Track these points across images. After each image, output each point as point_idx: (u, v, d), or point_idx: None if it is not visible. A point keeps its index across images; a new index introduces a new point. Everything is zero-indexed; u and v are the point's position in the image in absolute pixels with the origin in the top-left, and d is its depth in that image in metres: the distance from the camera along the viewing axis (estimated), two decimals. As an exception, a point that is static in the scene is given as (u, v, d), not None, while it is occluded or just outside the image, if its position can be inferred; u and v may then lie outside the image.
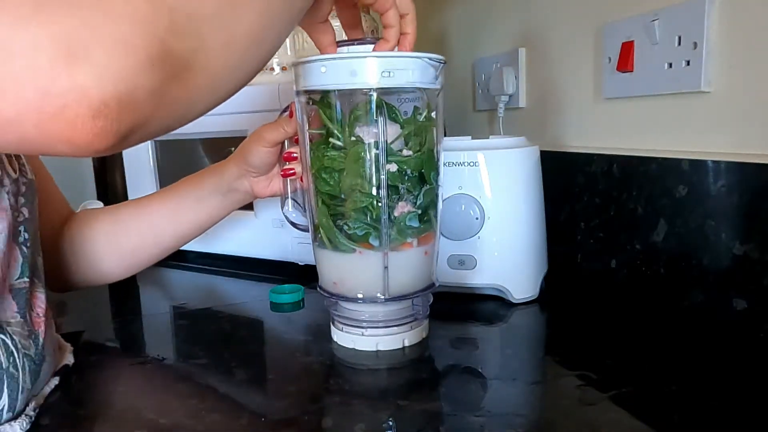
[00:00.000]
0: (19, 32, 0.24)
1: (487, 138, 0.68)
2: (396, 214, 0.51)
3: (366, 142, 0.49)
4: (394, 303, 0.53)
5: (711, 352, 0.50)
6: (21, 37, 0.24)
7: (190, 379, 0.52)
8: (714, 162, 0.53)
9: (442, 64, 0.51)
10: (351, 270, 0.53)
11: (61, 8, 0.24)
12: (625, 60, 0.63)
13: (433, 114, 0.52)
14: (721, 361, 0.48)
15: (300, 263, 0.78)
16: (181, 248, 0.66)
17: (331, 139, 0.50)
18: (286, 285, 0.70)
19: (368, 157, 0.49)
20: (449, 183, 0.63)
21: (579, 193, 0.72)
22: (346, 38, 0.54)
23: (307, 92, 0.51)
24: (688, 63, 0.56)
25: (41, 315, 0.46)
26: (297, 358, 0.55)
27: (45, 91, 0.24)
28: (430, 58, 0.50)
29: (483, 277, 0.64)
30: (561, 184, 0.75)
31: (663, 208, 0.59)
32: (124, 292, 0.78)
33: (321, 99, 0.51)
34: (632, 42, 0.62)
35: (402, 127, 0.51)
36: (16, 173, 0.45)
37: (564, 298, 0.66)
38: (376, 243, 0.51)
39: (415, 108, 0.52)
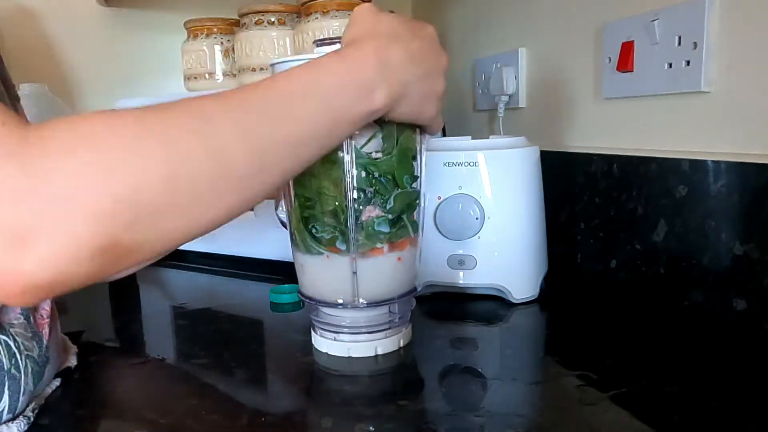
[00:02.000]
0: None
1: (487, 138, 0.68)
2: (363, 218, 0.49)
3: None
4: (366, 309, 0.52)
5: (711, 352, 0.50)
6: None
7: (190, 379, 0.52)
8: (714, 162, 0.53)
9: None
10: (320, 273, 0.52)
11: (25, 193, 0.25)
12: (625, 60, 0.63)
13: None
14: (721, 361, 0.48)
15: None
16: (181, 248, 0.66)
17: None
18: (285, 285, 0.70)
19: (337, 159, 0.47)
20: (449, 183, 0.63)
21: (579, 193, 0.72)
22: (324, 37, 0.54)
23: None
24: (688, 63, 0.56)
25: (45, 317, 0.46)
26: (297, 358, 0.55)
27: None
28: None
29: (483, 277, 0.64)
30: (561, 184, 0.75)
31: (663, 208, 0.59)
32: (124, 292, 0.78)
33: None
34: (632, 42, 0.62)
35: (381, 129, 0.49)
36: None
37: (564, 298, 0.66)
38: (343, 247, 0.50)
39: None
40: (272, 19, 0.87)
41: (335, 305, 0.52)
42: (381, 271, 0.51)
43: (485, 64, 0.94)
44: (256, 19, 0.87)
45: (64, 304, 0.72)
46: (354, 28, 0.42)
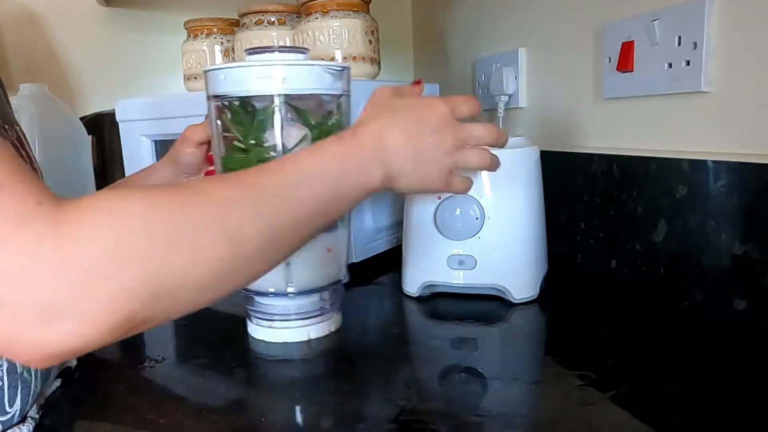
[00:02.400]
0: (15, 289, 0.26)
1: None
2: None
3: (269, 144, 0.53)
4: (298, 297, 0.56)
5: (711, 352, 0.50)
6: (16, 292, 0.26)
7: (190, 379, 0.52)
8: (714, 162, 0.53)
9: (340, 71, 0.54)
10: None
11: (58, 274, 0.26)
12: (625, 60, 0.63)
13: (335, 117, 0.55)
14: (722, 361, 0.48)
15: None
16: None
17: (235, 143, 0.54)
18: None
19: (270, 159, 0.50)
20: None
21: (579, 193, 0.72)
22: (255, 47, 0.58)
23: (216, 97, 0.54)
24: (688, 63, 0.56)
25: None
26: (297, 358, 0.55)
27: (11, 339, 0.27)
28: (328, 66, 0.54)
29: (483, 277, 0.64)
30: (561, 184, 0.75)
31: (663, 208, 0.59)
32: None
33: (230, 105, 0.54)
34: (632, 42, 0.62)
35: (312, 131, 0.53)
36: None
37: (564, 298, 0.66)
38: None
39: (329, 112, 0.55)
40: (272, 19, 0.87)
41: (268, 294, 0.56)
42: (312, 262, 0.56)
43: (485, 64, 0.94)
44: (256, 19, 0.87)
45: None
46: (368, 107, 0.48)
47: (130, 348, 0.59)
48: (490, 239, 0.63)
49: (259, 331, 0.58)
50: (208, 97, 0.55)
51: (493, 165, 0.52)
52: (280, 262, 0.38)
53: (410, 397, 0.45)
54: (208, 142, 0.62)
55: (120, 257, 0.28)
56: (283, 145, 0.52)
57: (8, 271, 0.26)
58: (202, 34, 0.99)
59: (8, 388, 0.40)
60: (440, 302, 0.66)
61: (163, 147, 0.91)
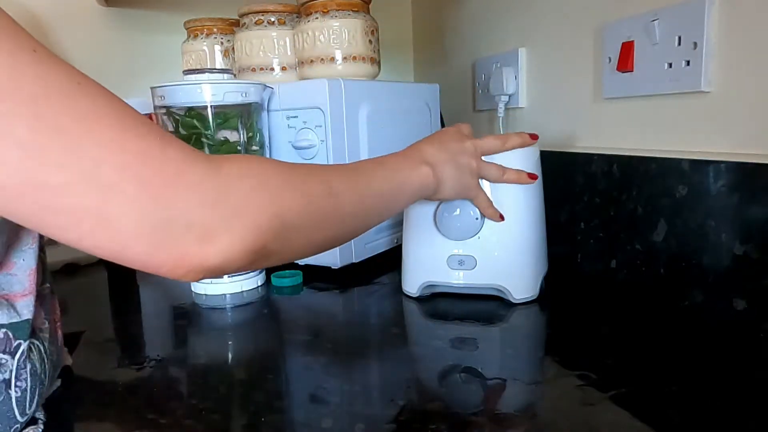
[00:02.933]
0: (199, 210, 0.33)
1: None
2: None
3: (234, 141, 0.71)
4: None
5: (711, 352, 0.50)
6: (195, 213, 0.33)
7: (190, 379, 0.52)
8: (714, 162, 0.53)
9: (252, 87, 0.72)
10: None
11: (215, 203, 0.33)
12: (625, 60, 0.63)
13: (241, 120, 0.71)
14: (722, 361, 0.48)
15: (300, 263, 0.78)
16: None
17: (203, 140, 0.69)
18: (286, 270, 0.76)
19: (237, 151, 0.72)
20: None
21: (579, 193, 0.72)
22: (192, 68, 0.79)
23: (165, 107, 0.71)
24: (688, 63, 0.56)
25: (57, 320, 0.47)
26: (297, 358, 0.55)
27: (178, 255, 0.33)
28: (243, 83, 0.71)
29: (483, 277, 0.64)
30: (561, 184, 0.75)
31: (663, 208, 0.59)
32: (124, 292, 0.78)
33: (189, 112, 0.69)
34: (632, 42, 0.62)
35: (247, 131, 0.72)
36: None
37: (564, 298, 0.66)
38: None
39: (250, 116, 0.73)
40: (272, 19, 0.87)
41: None
42: None
43: (485, 64, 0.94)
44: (256, 19, 0.87)
45: (64, 304, 0.72)
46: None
47: (131, 348, 0.59)
48: (490, 239, 0.63)
49: (200, 287, 0.73)
50: (157, 107, 0.71)
51: (508, 177, 0.62)
52: (366, 228, 0.49)
53: (410, 397, 0.45)
54: None
55: (261, 193, 0.36)
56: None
57: (179, 200, 0.32)
58: (202, 34, 0.99)
59: (30, 390, 0.40)
60: (440, 302, 0.66)
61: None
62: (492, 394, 0.45)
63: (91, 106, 0.30)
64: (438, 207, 0.64)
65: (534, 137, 0.64)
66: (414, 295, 0.67)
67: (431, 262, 0.66)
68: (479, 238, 0.64)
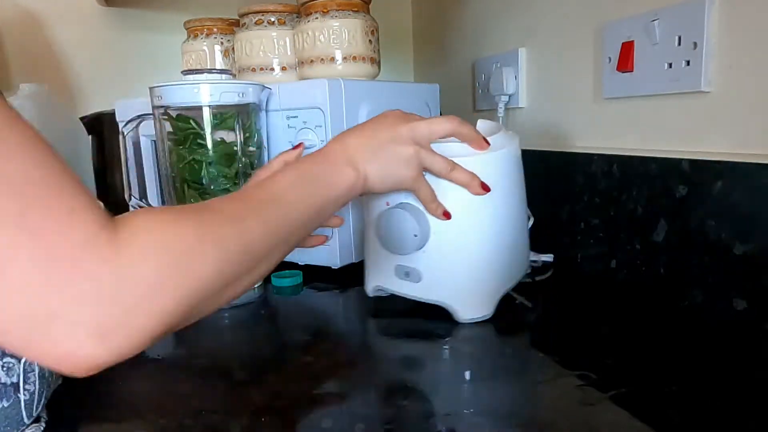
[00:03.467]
0: (73, 307, 0.28)
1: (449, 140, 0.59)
2: None
3: (230, 141, 0.70)
4: None
5: (711, 352, 0.50)
6: (69, 310, 0.28)
7: (190, 379, 0.52)
8: (714, 162, 0.53)
9: (248, 88, 0.71)
10: None
11: (113, 295, 0.29)
12: (625, 60, 0.63)
13: (240, 121, 0.71)
14: (722, 361, 0.48)
15: (300, 263, 0.78)
16: None
17: (199, 140, 0.69)
18: (286, 270, 0.76)
19: (231, 151, 0.70)
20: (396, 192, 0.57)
21: (579, 193, 0.72)
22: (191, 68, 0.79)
23: (163, 107, 0.70)
24: (688, 63, 0.56)
25: None
26: (298, 357, 0.55)
27: (66, 353, 0.29)
28: (242, 84, 0.71)
29: (428, 292, 0.59)
30: (561, 184, 0.75)
31: (663, 208, 0.59)
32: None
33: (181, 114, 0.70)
34: (632, 42, 0.62)
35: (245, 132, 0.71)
36: None
37: (564, 298, 0.66)
38: None
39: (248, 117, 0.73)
40: (272, 19, 0.87)
41: None
42: None
43: (485, 64, 0.94)
44: (256, 19, 0.87)
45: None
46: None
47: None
48: (435, 253, 0.58)
49: None
50: (155, 107, 0.70)
51: (456, 176, 0.55)
52: (282, 258, 0.43)
53: (411, 397, 0.45)
54: None
55: (170, 273, 0.31)
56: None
57: (71, 292, 0.27)
58: (202, 34, 0.99)
59: (38, 393, 0.41)
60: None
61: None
62: (492, 394, 0.45)
63: None
64: (380, 216, 0.59)
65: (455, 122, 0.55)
66: (370, 295, 0.65)
67: (381, 269, 0.62)
68: (424, 251, 0.58)
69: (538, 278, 0.71)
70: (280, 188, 0.43)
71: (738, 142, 0.53)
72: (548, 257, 0.77)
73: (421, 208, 0.56)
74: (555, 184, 0.77)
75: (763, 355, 0.48)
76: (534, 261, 0.75)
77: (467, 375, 0.49)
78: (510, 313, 0.62)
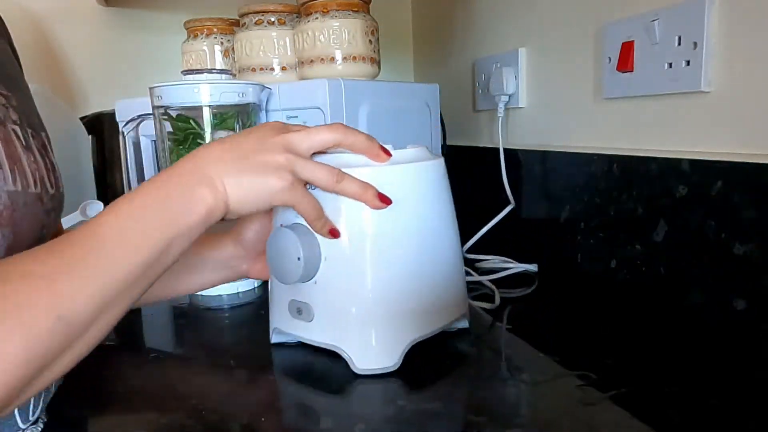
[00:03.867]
0: None
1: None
2: None
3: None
4: None
5: (711, 352, 0.50)
6: None
7: (190, 379, 0.52)
8: (714, 162, 0.53)
9: (248, 88, 0.71)
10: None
11: None
12: (625, 60, 0.63)
13: (240, 121, 0.71)
14: (721, 361, 0.48)
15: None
16: None
17: (199, 140, 0.69)
18: None
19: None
20: (288, 209, 0.48)
21: (579, 193, 0.72)
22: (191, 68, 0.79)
23: (163, 107, 0.69)
24: (688, 63, 0.56)
25: None
26: (297, 358, 0.55)
27: None
28: (241, 84, 0.71)
29: (320, 333, 0.50)
30: (561, 184, 0.75)
31: (663, 208, 0.59)
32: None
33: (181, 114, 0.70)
34: (632, 42, 0.62)
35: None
36: (53, 188, 0.42)
37: (564, 299, 0.66)
38: None
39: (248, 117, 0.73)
40: (272, 19, 0.87)
41: None
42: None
43: (485, 64, 0.94)
44: (256, 19, 0.87)
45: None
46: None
47: (130, 348, 0.59)
48: (328, 286, 0.48)
49: None
50: (155, 107, 0.70)
51: (345, 187, 0.45)
52: (119, 317, 0.35)
53: (411, 397, 0.45)
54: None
55: None
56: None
57: None
58: (202, 34, 0.99)
59: (33, 398, 0.40)
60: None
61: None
62: (492, 394, 0.45)
63: None
64: (270, 239, 0.50)
65: (337, 128, 0.46)
66: (272, 342, 0.55)
67: (277, 305, 0.54)
68: (315, 282, 0.48)
69: (513, 294, 0.70)
70: (107, 229, 0.34)
71: (738, 142, 0.53)
72: (532, 267, 0.75)
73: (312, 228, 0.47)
74: (555, 184, 0.77)
75: (763, 355, 0.48)
76: (506, 267, 0.74)
77: (465, 375, 0.49)
78: (429, 365, 0.50)
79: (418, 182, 0.50)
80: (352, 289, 0.48)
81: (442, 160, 0.53)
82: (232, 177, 0.41)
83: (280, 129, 0.45)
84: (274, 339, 0.55)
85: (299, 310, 0.51)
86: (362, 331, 0.48)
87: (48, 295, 0.30)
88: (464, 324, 0.56)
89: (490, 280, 0.71)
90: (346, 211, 0.47)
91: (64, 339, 0.31)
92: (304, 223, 0.47)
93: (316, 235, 0.47)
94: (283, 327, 0.53)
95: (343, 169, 0.45)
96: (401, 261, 0.49)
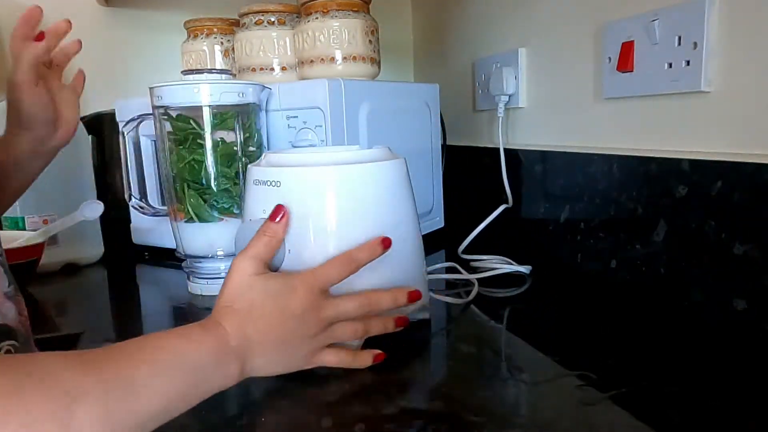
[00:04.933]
0: None
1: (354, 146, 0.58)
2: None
3: (230, 141, 0.70)
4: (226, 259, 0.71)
5: (711, 352, 0.50)
6: None
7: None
8: (714, 162, 0.53)
9: (254, 86, 0.72)
10: (219, 235, 0.70)
11: None
12: (625, 60, 0.63)
13: (240, 121, 0.71)
14: (722, 361, 0.48)
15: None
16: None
17: (199, 140, 0.69)
18: None
19: (232, 151, 0.71)
20: (254, 205, 0.51)
21: (579, 193, 0.72)
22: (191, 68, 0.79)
23: (163, 107, 0.70)
24: (688, 63, 0.56)
25: (26, 319, 0.46)
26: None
27: None
28: (242, 84, 0.71)
29: None
30: (561, 184, 0.75)
31: (663, 208, 0.59)
32: (124, 292, 0.78)
33: (177, 114, 0.70)
34: (632, 42, 0.62)
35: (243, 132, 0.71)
36: None
37: (564, 299, 0.66)
38: (237, 211, 0.70)
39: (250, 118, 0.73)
40: (272, 19, 0.87)
41: (218, 257, 0.71)
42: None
43: (485, 64, 0.94)
44: (256, 19, 0.87)
45: (64, 304, 0.72)
46: (229, 287, 0.45)
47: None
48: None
49: (197, 287, 0.72)
50: (155, 107, 0.70)
51: (374, 326, 0.49)
52: None
53: (411, 397, 0.45)
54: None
55: None
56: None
57: None
58: (202, 34, 0.99)
59: None
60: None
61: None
62: (492, 394, 0.45)
63: None
64: (236, 233, 0.52)
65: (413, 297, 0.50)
66: None
67: None
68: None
69: (499, 294, 0.70)
70: (143, 371, 0.34)
71: (738, 142, 0.53)
72: (524, 268, 0.74)
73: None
74: (555, 184, 0.77)
75: (763, 355, 0.48)
76: (496, 267, 0.73)
77: (465, 375, 0.49)
78: (393, 355, 0.50)
79: (379, 180, 0.52)
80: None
81: (402, 160, 0.55)
82: (268, 362, 0.44)
83: (319, 311, 0.45)
84: None
85: None
86: None
87: (64, 419, 0.28)
88: (425, 315, 0.57)
89: (478, 279, 0.70)
90: (310, 204, 0.49)
91: None
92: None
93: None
94: None
95: (284, 168, 0.51)
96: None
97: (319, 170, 0.50)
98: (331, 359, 0.48)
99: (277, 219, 0.48)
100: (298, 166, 0.51)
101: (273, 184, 0.50)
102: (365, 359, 0.49)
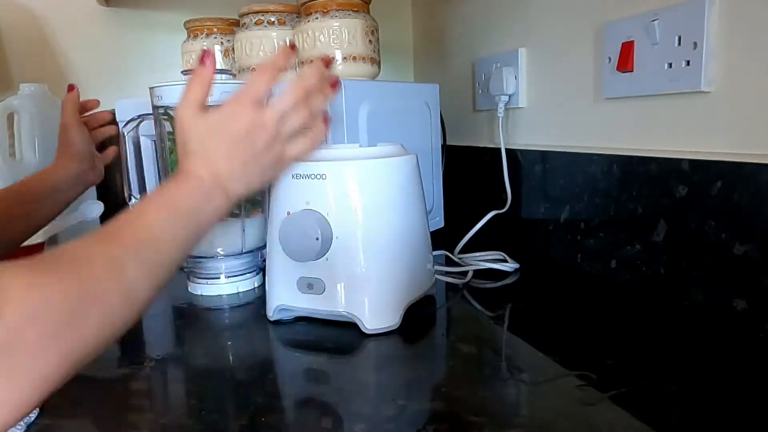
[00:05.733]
0: None
1: (375, 146, 0.62)
2: None
3: None
4: (248, 256, 0.74)
5: (711, 352, 0.50)
6: None
7: (190, 379, 0.52)
8: (714, 162, 0.53)
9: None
10: (219, 235, 0.71)
11: None
12: (625, 60, 0.63)
13: None
14: (721, 361, 0.48)
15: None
16: None
17: None
18: None
19: None
20: (296, 198, 0.57)
21: (579, 193, 0.72)
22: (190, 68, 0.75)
23: (163, 107, 0.70)
24: (688, 63, 0.56)
25: None
26: (297, 357, 0.55)
27: None
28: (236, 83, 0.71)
29: (332, 303, 0.57)
30: (561, 184, 0.75)
31: (663, 208, 0.59)
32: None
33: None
34: (632, 42, 0.62)
35: None
36: None
37: (564, 299, 0.66)
38: (237, 211, 0.70)
39: None
40: (272, 19, 0.87)
41: (218, 257, 0.72)
42: (259, 227, 0.73)
43: (485, 64, 0.94)
44: (256, 19, 0.87)
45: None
46: (180, 138, 0.50)
47: (130, 348, 0.59)
48: (338, 261, 0.56)
49: (197, 287, 0.73)
50: (155, 107, 0.70)
51: (320, 135, 0.56)
52: (160, 288, 0.41)
53: (411, 397, 0.45)
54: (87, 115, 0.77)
55: (46, 348, 0.30)
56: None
57: None
58: (202, 34, 0.99)
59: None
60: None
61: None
62: (492, 394, 0.45)
63: None
64: (282, 224, 0.57)
65: (327, 62, 0.57)
66: (271, 319, 0.61)
67: (284, 284, 0.60)
68: (327, 259, 0.56)
69: (488, 285, 0.70)
70: (155, 226, 0.41)
71: (738, 142, 0.53)
72: (514, 265, 0.75)
73: (323, 213, 0.56)
74: (555, 184, 0.77)
75: (763, 355, 0.48)
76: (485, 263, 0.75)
77: (466, 375, 0.49)
78: (421, 322, 0.59)
79: (406, 172, 0.60)
80: (362, 261, 0.56)
81: (414, 156, 0.62)
82: (241, 182, 0.49)
83: (263, 123, 0.51)
84: (274, 316, 0.61)
85: (310, 285, 0.58)
86: (371, 298, 0.57)
87: (119, 281, 0.36)
88: (432, 292, 0.65)
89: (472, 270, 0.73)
90: (356, 194, 0.56)
91: (127, 317, 0.36)
92: (315, 208, 0.56)
93: (329, 219, 0.56)
94: (290, 302, 0.59)
95: (327, 163, 0.56)
96: (400, 235, 0.59)
97: (362, 163, 0.57)
98: (297, 150, 0.54)
99: (207, 63, 0.52)
100: (341, 160, 0.57)
101: (318, 177, 0.56)
102: (319, 121, 0.55)
